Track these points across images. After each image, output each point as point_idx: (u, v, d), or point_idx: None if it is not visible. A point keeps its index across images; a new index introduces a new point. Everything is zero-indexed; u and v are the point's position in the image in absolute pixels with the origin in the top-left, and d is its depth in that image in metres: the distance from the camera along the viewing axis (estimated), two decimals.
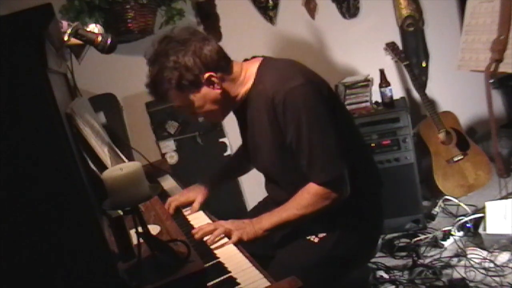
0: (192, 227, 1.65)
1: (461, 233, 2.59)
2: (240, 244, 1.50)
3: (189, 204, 1.83)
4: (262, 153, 1.64)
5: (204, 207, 1.82)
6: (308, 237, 1.62)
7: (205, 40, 1.53)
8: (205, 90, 1.53)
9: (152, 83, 1.54)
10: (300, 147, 1.49)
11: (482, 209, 2.55)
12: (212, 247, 1.47)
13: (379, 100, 2.93)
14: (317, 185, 1.50)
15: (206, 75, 1.50)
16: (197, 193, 1.84)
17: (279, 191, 1.68)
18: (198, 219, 1.72)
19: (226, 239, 1.51)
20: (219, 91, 1.54)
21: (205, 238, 1.51)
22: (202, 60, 1.49)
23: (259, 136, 1.61)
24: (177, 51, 1.48)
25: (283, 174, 1.65)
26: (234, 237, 1.51)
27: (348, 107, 2.82)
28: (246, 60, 1.69)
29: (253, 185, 1.95)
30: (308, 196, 1.52)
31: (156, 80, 1.52)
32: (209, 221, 1.69)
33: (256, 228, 1.54)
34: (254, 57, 1.68)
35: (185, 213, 1.79)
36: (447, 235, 2.59)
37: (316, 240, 1.61)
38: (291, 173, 1.60)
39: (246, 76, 1.60)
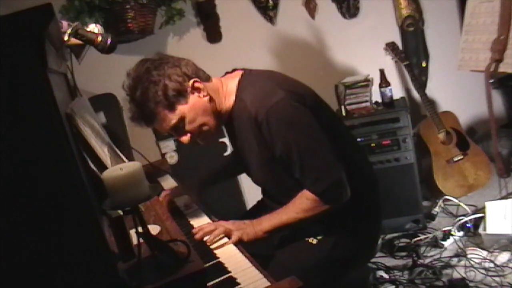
0: (192, 227, 1.65)
1: (461, 233, 2.59)
2: (240, 244, 1.50)
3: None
4: (253, 167, 1.64)
5: (205, 207, 1.81)
6: (307, 239, 1.62)
7: (179, 57, 1.55)
8: (193, 99, 1.51)
9: (139, 106, 1.49)
10: (291, 161, 1.49)
11: (482, 209, 2.55)
12: (212, 247, 1.47)
13: (379, 100, 2.93)
14: (316, 195, 1.49)
15: (191, 82, 1.50)
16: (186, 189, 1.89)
17: (274, 203, 1.68)
18: (198, 219, 1.72)
19: (226, 239, 1.51)
20: (207, 97, 1.53)
21: (205, 238, 1.51)
22: (182, 69, 1.50)
23: (248, 152, 1.61)
24: (157, 66, 1.49)
25: (275, 187, 1.66)
26: (234, 237, 1.51)
27: (348, 107, 2.82)
28: (227, 73, 1.69)
29: (253, 185, 1.94)
30: (307, 201, 1.51)
31: (142, 101, 1.47)
32: (209, 221, 1.68)
33: (257, 230, 1.54)
34: (234, 69, 1.67)
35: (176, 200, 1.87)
36: (447, 235, 2.59)
37: (314, 241, 1.61)
38: (283, 186, 1.60)
39: (227, 91, 1.59)
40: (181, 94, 1.49)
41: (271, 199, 1.74)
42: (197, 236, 1.51)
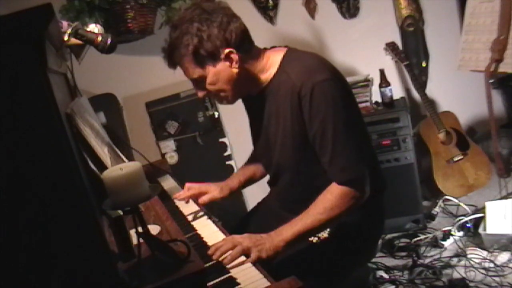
0: (192, 227, 1.65)
1: (461, 233, 2.59)
2: (258, 262, 1.37)
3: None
4: (277, 145, 1.60)
5: (205, 208, 1.80)
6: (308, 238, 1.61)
7: (233, 16, 1.51)
8: (221, 66, 1.48)
9: (170, 47, 1.48)
10: (324, 143, 1.45)
11: (482, 209, 2.55)
12: (228, 266, 1.35)
13: (379, 100, 2.93)
14: (339, 184, 1.46)
15: (226, 50, 1.46)
16: (216, 189, 1.78)
17: (287, 190, 1.66)
18: (199, 219, 1.71)
19: (243, 257, 1.38)
20: (236, 70, 1.49)
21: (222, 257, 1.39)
22: (225, 35, 1.46)
23: (277, 127, 1.57)
24: (203, 20, 1.45)
25: (297, 169, 1.60)
26: (253, 256, 1.37)
27: None
28: (265, 49, 1.65)
29: (253, 185, 1.94)
30: (331, 198, 1.46)
31: (174, 44, 1.47)
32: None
33: (276, 241, 1.43)
34: (273, 47, 1.65)
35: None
36: (447, 235, 2.59)
37: (315, 240, 1.60)
38: (305, 169, 1.57)
39: (269, 63, 1.56)
40: (212, 57, 1.47)
41: (284, 181, 1.68)
42: (214, 257, 1.38)
